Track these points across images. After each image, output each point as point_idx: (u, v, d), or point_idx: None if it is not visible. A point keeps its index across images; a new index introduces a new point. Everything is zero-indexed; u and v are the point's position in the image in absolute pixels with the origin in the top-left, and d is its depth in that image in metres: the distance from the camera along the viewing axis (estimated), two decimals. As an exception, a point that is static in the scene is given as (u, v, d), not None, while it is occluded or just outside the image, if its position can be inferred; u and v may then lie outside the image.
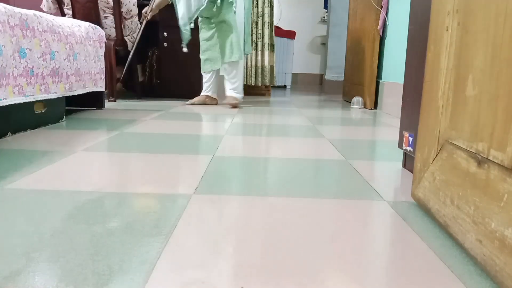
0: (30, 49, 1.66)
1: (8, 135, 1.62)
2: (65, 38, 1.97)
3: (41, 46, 1.74)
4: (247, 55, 3.19)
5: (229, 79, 3.05)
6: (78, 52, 2.11)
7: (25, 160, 1.26)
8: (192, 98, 3.29)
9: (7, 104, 1.52)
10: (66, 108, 2.16)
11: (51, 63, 1.83)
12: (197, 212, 0.86)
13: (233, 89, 3.04)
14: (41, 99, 1.78)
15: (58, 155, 1.33)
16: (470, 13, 0.73)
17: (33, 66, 1.69)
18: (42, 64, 1.76)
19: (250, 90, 4.24)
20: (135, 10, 3.12)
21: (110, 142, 1.59)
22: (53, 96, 1.87)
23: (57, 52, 1.89)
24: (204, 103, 3.16)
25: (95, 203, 0.90)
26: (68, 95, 2.04)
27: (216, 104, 3.19)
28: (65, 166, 1.21)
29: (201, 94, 3.19)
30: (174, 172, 1.18)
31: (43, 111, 1.87)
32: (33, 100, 1.71)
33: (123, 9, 3.02)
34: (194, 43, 3.56)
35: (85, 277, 0.59)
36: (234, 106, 2.99)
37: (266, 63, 4.12)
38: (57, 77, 1.90)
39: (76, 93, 2.12)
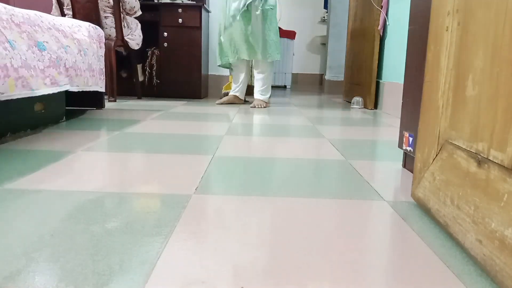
0: (47, 42, 1.68)
1: (8, 135, 1.62)
2: (70, 35, 1.98)
3: (53, 40, 1.77)
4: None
5: (257, 80, 3.18)
6: (87, 48, 2.14)
7: (25, 160, 1.26)
8: (191, 98, 3.32)
9: (44, 94, 1.59)
10: (66, 108, 2.16)
11: (68, 56, 1.86)
12: (197, 212, 0.86)
13: (260, 91, 3.16)
14: (73, 90, 1.82)
15: (58, 155, 1.33)
16: (470, 13, 0.73)
17: (56, 57, 1.72)
18: (63, 56, 1.79)
19: (249, 90, 4.24)
20: (137, 5, 3.14)
21: (110, 142, 1.59)
22: (75, 89, 1.92)
23: (69, 47, 1.91)
24: (232, 103, 3.25)
25: (95, 203, 0.90)
26: (87, 89, 2.09)
27: (243, 103, 3.31)
28: (65, 166, 1.21)
29: (230, 93, 3.27)
30: (174, 172, 1.18)
31: (43, 110, 1.87)
32: (67, 89, 1.77)
33: (126, 7, 3.03)
34: (194, 43, 3.56)
35: (85, 277, 0.59)
36: (262, 107, 3.10)
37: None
38: (78, 70, 1.94)
39: (92, 88, 2.16)
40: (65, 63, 1.79)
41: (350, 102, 3.39)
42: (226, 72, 4.04)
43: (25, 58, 1.51)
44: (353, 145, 1.67)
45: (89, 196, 0.94)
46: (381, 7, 3.00)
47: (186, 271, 0.62)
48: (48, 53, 1.65)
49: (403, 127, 1.30)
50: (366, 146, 1.67)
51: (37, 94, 1.54)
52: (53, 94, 1.87)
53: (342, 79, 4.68)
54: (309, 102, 3.66)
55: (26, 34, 1.57)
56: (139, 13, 3.21)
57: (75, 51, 1.95)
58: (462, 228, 0.69)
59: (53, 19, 1.88)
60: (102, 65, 2.47)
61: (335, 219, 0.85)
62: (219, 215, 0.85)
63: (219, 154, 1.43)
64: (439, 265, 0.66)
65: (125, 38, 3.11)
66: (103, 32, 2.49)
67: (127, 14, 3.11)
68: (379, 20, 3.01)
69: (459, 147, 0.74)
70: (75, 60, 1.93)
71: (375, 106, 3.17)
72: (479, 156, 0.67)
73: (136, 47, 3.22)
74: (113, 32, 3.04)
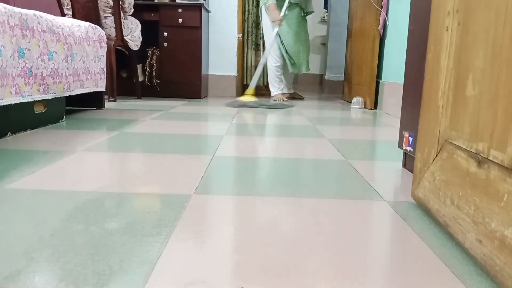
0: (29, 49, 1.66)
1: (8, 135, 1.62)
2: (64, 39, 1.97)
3: (39, 46, 1.74)
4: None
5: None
6: (76, 52, 2.11)
7: (25, 160, 1.26)
8: (191, 98, 3.39)
9: (3, 104, 1.53)
10: (66, 108, 2.16)
11: (50, 64, 1.83)
12: (197, 212, 0.86)
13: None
14: (39, 99, 1.78)
15: (58, 155, 1.33)
16: (470, 13, 0.73)
17: (31, 66, 1.69)
18: (41, 65, 1.76)
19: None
20: (133, 0, 3.15)
21: (110, 142, 1.59)
22: (50, 96, 1.87)
23: (55, 53, 1.89)
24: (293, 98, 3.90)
25: (95, 203, 0.90)
26: (66, 95, 2.04)
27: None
28: (65, 166, 1.21)
29: (286, 92, 3.80)
30: (174, 172, 1.18)
31: (43, 111, 1.87)
32: (31, 100, 1.71)
33: (126, 4, 3.04)
34: (194, 43, 3.56)
35: (85, 277, 0.59)
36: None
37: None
38: (56, 77, 1.90)
39: (74, 93, 2.12)
40: (42, 72, 1.77)
41: (350, 102, 3.39)
42: (225, 72, 4.05)
43: (5, 66, 1.50)
44: (353, 145, 1.67)
45: (89, 196, 0.94)
46: (381, 7, 3.00)
47: (186, 271, 0.62)
48: (24, 61, 1.64)
49: (403, 127, 1.30)
50: (366, 146, 1.67)
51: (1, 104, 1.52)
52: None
53: (342, 79, 4.68)
54: (309, 102, 3.66)
55: (15, 38, 1.56)
56: (136, 20, 3.23)
57: (60, 57, 1.93)
58: (462, 228, 0.69)
59: (52, 19, 1.88)
60: (102, 65, 2.47)
61: (335, 219, 0.85)
62: (219, 215, 0.85)
63: (219, 154, 1.43)
64: (439, 265, 0.66)
65: (125, 38, 3.11)
66: (103, 31, 2.49)
67: (125, 12, 3.11)
68: (379, 20, 3.01)
69: (459, 147, 0.74)
70: (57, 67, 1.90)
71: (375, 106, 3.17)
72: (479, 156, 0.67)
73: (135, 48, 3.22)
74: (112, 32, 3.04)
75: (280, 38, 3.58)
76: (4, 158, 1.28)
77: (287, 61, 3.65)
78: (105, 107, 2.71)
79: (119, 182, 1.06)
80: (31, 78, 1.70)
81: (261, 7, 3.60)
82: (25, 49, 1.64)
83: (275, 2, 3.44)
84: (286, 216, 0.86)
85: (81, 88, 2.21)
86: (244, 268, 0.63)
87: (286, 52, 3.62)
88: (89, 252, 0.67)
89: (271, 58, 3.68)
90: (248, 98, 3.41)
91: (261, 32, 3.82)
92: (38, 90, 1.76)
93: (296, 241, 0.74)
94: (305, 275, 0.62)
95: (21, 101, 1.64)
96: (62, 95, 2.00)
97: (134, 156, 1.37)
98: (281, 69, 3.71)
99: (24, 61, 1.64)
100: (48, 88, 1.83)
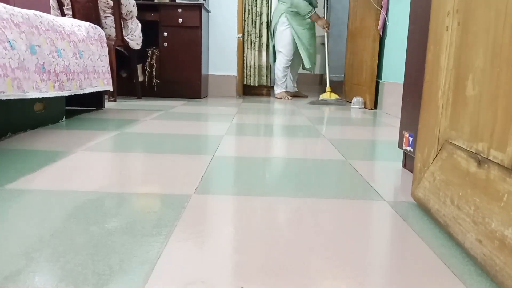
0: (39, 46, 1.67)
1: (8, 135, 1.62)
2: (67, 37, 1.97)
3: (47, 43, 1.75)
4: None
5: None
6: (83, 50, 2.12)
7: (25, 160, 1.26)
8: (191, 98, 3.40)
9: (29, 97, 1.58)
10: (66, 108, 2.16)
11: (60, 61, 1.85)
12: (197, 212, 0.86)
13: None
14: (56, 95, 1.80)
15: (58, 155, 1.33)
16: (470, 13, 0.73)
17: (44, 63, 1.70)
18: (53, 61, 1.78)
19: (250, 90, 4.24)
20: (135, 11, 3.12)
21: (110, 142, 1.59)
22: (66, 93, 1.89)
23: (63, 50, 1.89)
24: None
25: (95, 203, 0.90)
26: (80, 93, 2.06)
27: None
28: (65, 166, 1.21)
29: (290, 91, 4.10)
30: (174, 172, 1.18)
31: (43, 111, 1.87)
32: (49, 96, 1.75)
33: (123, 11, 3.03)
34: (194, 43, 3.56)
35: (85, 277, 0.59)
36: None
37: (264, 63, 4.13)
38: (70, 74, 1.91)
39: (86, 91, 2.14)
40: (55, 69, 1.79)
41: (350, 102, 3.39)
42: (225, 72, 4.05)
43: (23, 59, 1.51)
44: (353, 145, 1.67)
45: (89, 196, 0.94)
46: (381, 7, 3.00)
47: (186, 271, 0.62)
48: (36, 57, 1.65)
49: (403, 127, 1.30)
50: (366, 146, 1.67)
51: (25, 97, 1.56)
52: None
53: (342, 79, 4.68)
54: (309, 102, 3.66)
55: (24, 34, 1.57)
56: (135, 20, 3.21)
57: (69, 55, 1.94)
58: (462, 228, 0.69)
59: (52, 19, 1.88)
60: (106, 64, 2.47)
61: (335, 219, 0.85)
62: (219, 215, 0.85)
63: (219, 154, 1.43)
64: (439, 265, 0.66)
65: (125, 38, 3.11)
66: (103, 31, 2.49)
67: (123, 18, 3.09)
68: (379, 20, 3.01)
69: (459, 147, 0.74)
70: (68, 64, 1.91)
71: (375, 106, 3.16)
72: (479, 156, 0.67)
73: (137, 47, 3.22)
74: (112, 32, 3.04)
75: (300, 39, 3.89)
76: (4, 158, 1.28)
77: (305, 58, 3.89)
78: (105, 107, 2.71)
79: (119, 182, 1.06)
80: (45, 74, 1.71)
81: (282, 14, 3.82)
82: (36, 45, 1.65)
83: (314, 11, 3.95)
84: (286, 215, 0.86)
85: (91, 87, 2.23)
86: (244, 268, 0.63)
87: (304, 50, 3.92)
88: (89, 252, 0.67)
89: (282, 58, 3.88)
90: (327, 95, 3.80)
91: (272, 38, 4.05)
92: (54, 87, 1.77)
93: (296, 241, 0.74)
94: (305, 275, 0.62)
95: (41, 96, 1.69)
96: (77, 93, 2.02)
97: (134, 156, 1.37)
98: (288, 70, 3.96)
99: (36, 58, 1.65)
100: (63, 85, 1.84)
